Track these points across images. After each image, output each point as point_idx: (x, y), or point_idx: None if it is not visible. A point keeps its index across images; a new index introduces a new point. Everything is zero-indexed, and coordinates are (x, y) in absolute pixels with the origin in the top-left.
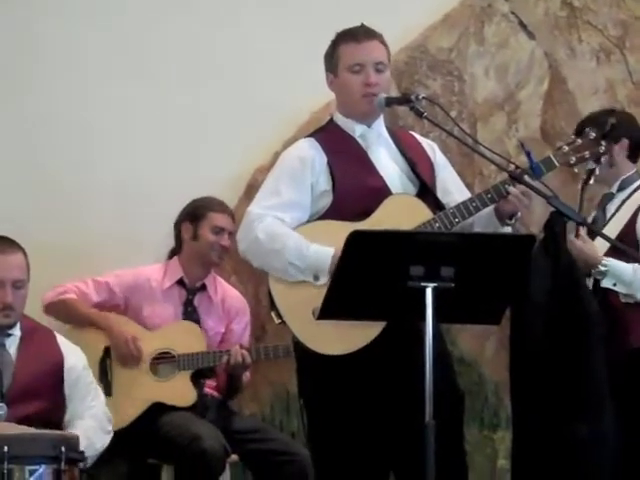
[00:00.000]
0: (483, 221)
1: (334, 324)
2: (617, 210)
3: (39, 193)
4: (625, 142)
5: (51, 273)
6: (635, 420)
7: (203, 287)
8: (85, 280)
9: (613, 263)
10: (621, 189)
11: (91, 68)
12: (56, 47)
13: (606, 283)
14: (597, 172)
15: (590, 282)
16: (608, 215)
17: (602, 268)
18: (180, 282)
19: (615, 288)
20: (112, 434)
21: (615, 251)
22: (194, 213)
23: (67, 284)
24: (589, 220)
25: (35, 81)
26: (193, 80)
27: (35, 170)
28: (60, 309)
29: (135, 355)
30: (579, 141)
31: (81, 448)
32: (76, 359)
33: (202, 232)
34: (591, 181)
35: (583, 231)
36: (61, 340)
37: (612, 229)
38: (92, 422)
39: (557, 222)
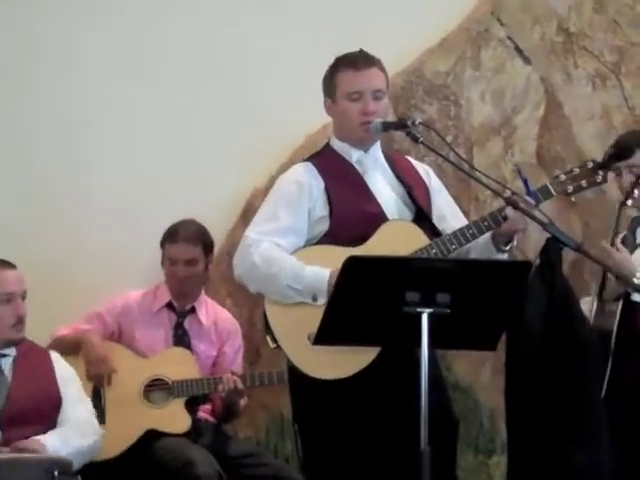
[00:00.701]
0: (479, 247)
1: (329, 349)
2: None
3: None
4: None
5: (44, 284)
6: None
7: (193, 310)
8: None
9: None
10: None
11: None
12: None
13: (637, 297)
14: (636, 194)
15: (619, 305)
16: (638, 239)
17: (637, 281)
18: (169, 305)
19: None
20: (95, 438)
21: None
22: (161, 242)
23: (63, 326)
24: (619, 239)
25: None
26: (190, 103)
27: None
28: (57, 349)
29: (103, 373)
30: (576, 170)
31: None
32: (67, 371)
33: (164, 263)
34: (629, 203)
35: (618, 241)
36: (55, 358)
37: None
38: (71, 426)
39: (553, 249)
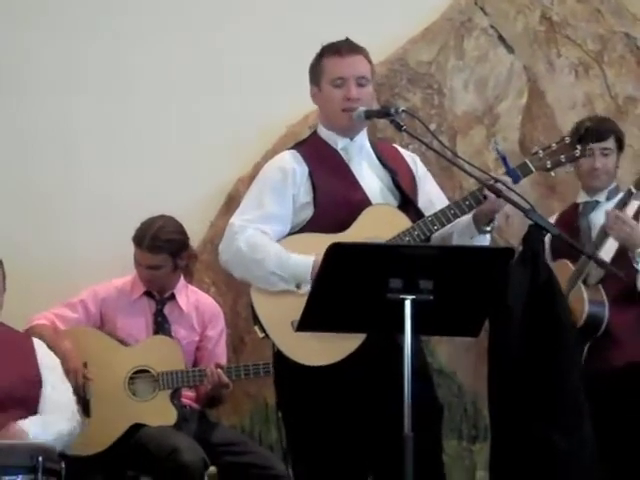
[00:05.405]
0: (461, 229)
1: (317, 335)
2: None
3: (18, 193)
4: None
5: (28, 278)
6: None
7: (172, 297)
8: (60, 305)
9: None
10: (608, 199)
11: (73, 81)
12: (40, 63)
13: None
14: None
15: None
16: (595, 223)
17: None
18: (148, 293)
19: None
20: (74, 424)
21: None
22: (132, 238)
23: (43, 312)
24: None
25: (24, 78)
26: (172, 93)
27: (16, 168)
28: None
29: (80, 386)
30: (554, 145)
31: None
32: (49, 358)
33: (134, 260)
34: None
35: (631, 210)
36: (38, 344)
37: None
38: (51, 411)
39: (535, 235)
